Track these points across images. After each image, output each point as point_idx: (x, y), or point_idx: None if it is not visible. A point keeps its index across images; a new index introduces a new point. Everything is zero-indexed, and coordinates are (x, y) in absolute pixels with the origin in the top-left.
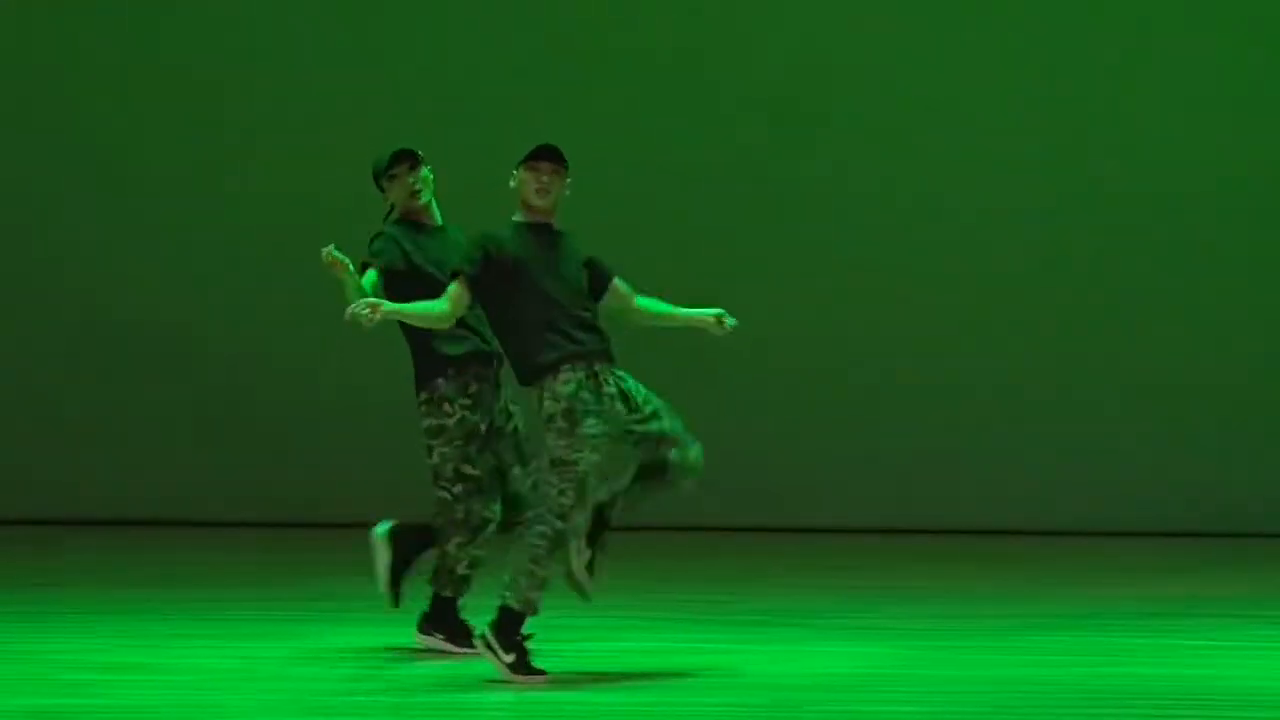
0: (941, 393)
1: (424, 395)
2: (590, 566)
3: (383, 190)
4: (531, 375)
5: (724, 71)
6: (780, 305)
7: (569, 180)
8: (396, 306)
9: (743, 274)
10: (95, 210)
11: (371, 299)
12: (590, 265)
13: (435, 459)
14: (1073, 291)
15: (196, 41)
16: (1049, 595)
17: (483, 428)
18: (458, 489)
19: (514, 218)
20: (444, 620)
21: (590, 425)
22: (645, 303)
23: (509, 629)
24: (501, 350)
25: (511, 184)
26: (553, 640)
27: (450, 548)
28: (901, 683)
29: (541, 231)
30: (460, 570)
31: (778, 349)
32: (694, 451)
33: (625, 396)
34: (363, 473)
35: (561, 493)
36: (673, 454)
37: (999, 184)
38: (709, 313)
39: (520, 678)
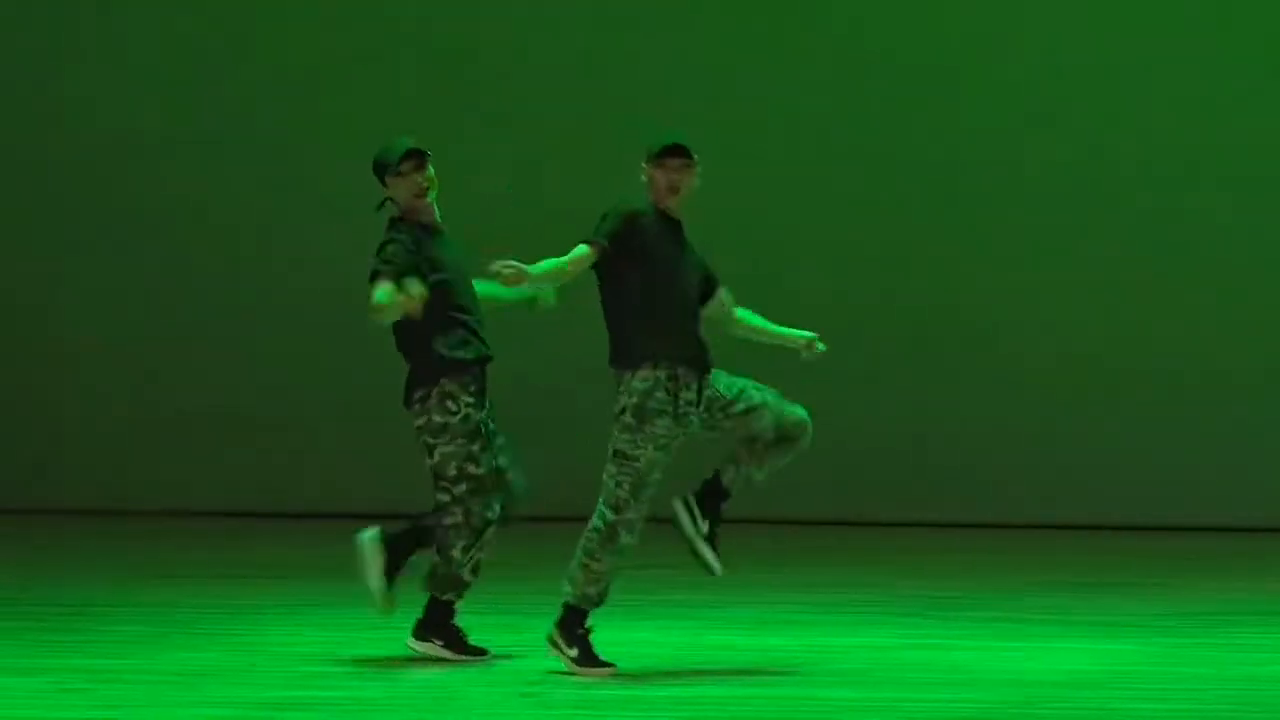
0: (1162, 384)
1: (421, 392)
2: (712, 539)
3: (384, 184)
4: (621, 362)
5: (920, 56)
6: (1003, 295)
7: (698, 171)
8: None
9: (969, 262)
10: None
11: (513, 262)
12: (703, 269)
13: (436, 458)
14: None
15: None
16: None
17: (484, 427)
18: (460, 489)
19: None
20: (441, 626)
21: (660, 425)
22: (744, 315)
23: (570, 624)
24: (607, 325)
25: (642, 178)
26: (801, 637)
27: (455, 553)
28: (1148, 680)
29: (673, 225)
30: (465, 576)
31: (1006, 341)
32: (798, 410)
33: (709, 402)
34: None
35: (619, 485)
36: (769, 421)
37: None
38: (802, 335)
39: (586, 671)
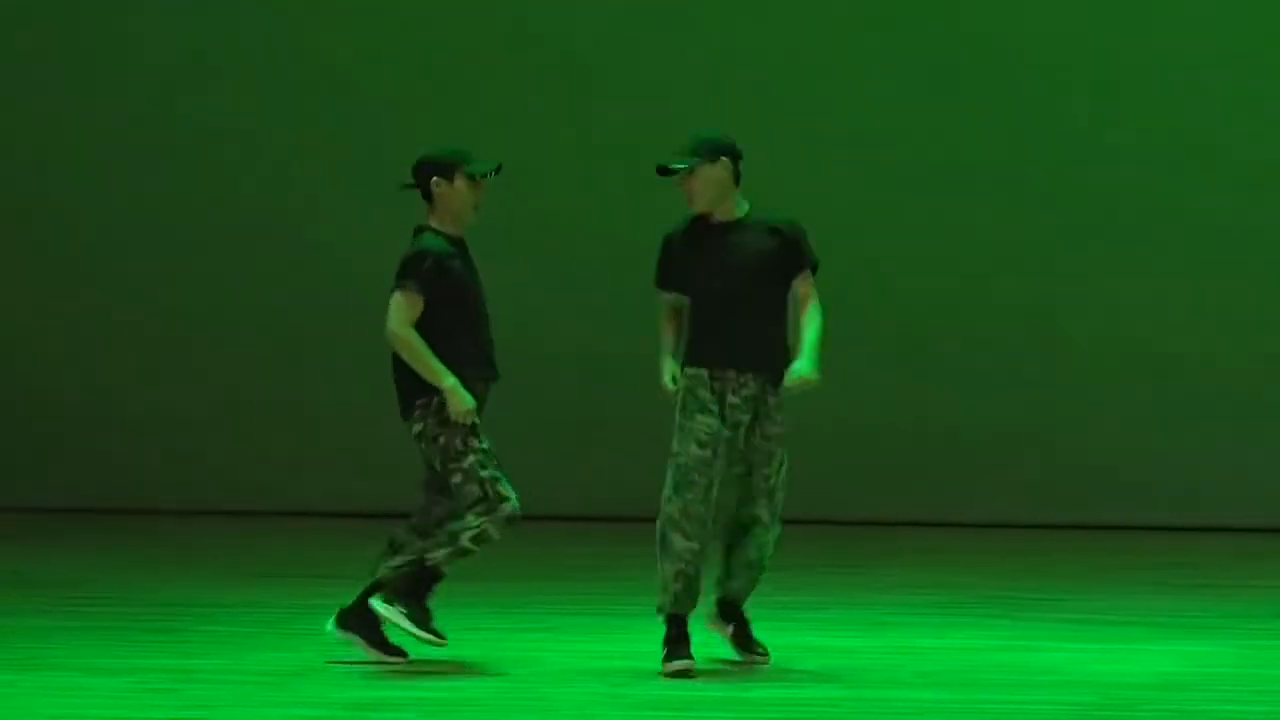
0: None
1: (424, 400)
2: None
3: (436, 180)
4: (681, 359)
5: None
6: (1086, 293)
7: (715, 167)
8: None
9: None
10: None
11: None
12: (782, 250)
13: (440, 444)
14: None
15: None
16: None
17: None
18: (469, 460)
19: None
20: (414, 593)
21: (701, 421)
22: (804, 318)
23: (666, 637)
24: None
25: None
26: (887, 638)
27: (468, 518)
28: (1238, 682)
29: (713, 228)
30: (464, 541)
31: (1120, 346)
32: (774, 533)
33: (757, 414)
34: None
35: (667, 481)
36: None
37: None
38: (799, 367)
39: (671, 670)
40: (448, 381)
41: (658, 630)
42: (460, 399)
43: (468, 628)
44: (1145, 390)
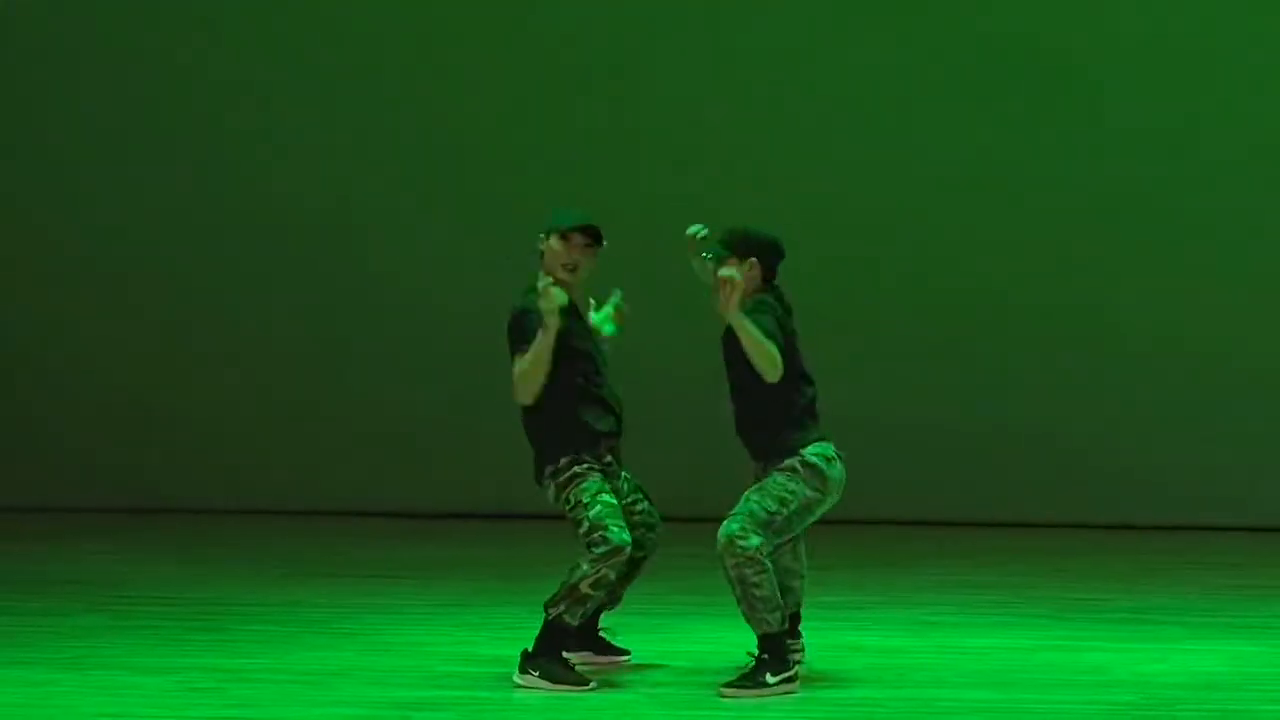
0: None
1: (551, 469)
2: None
3: (544, 239)
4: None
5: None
6: (1137, 292)
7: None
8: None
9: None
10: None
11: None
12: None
13: (571, 503)
14: None
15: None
16: None
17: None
18: (593, 512)
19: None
20: (550, 650)
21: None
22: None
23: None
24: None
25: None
26: (932, 638)
27: (584, 565)
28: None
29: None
30: (584, 588)
31: (1168, 346)
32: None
33: None
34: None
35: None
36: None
37: None
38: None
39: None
40: (546, 334)
41: (697, 630)
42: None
43: (508, 627)
44: (1191, 391)
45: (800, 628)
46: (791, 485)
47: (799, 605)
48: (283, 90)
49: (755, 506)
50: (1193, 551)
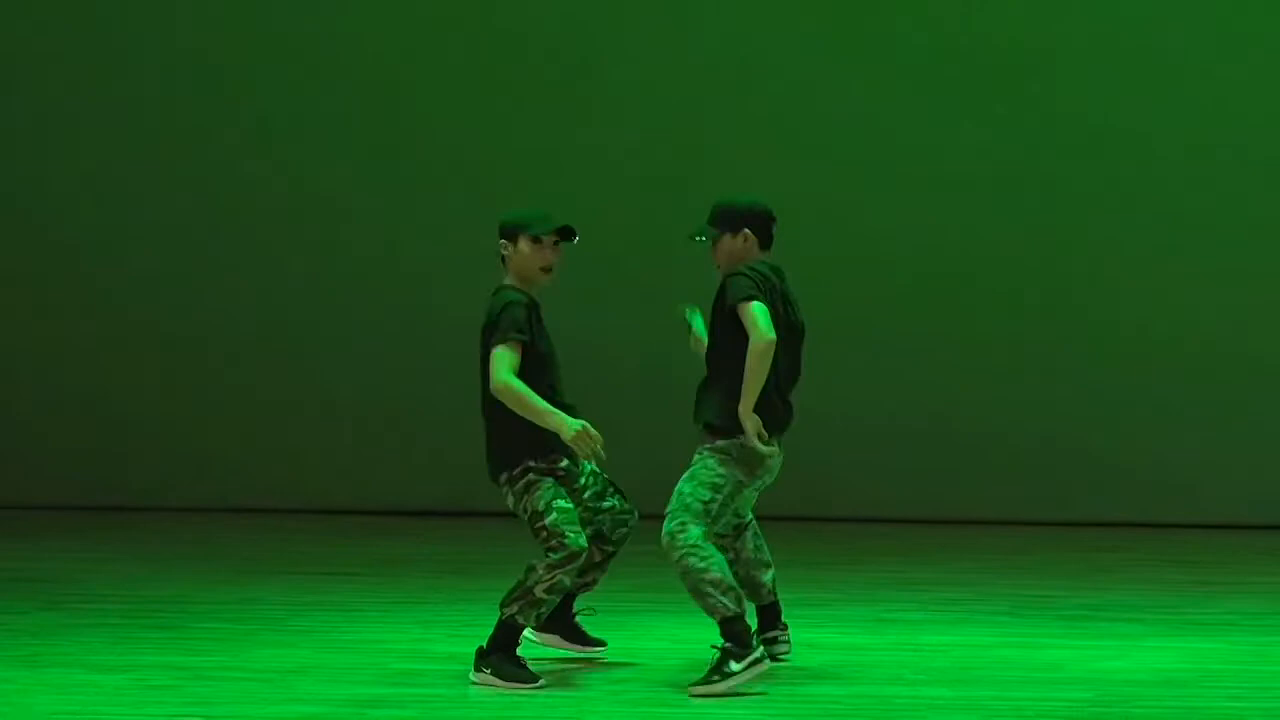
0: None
1: (507, 475)
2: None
3: (509, 241)
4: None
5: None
6: (1108, 287)
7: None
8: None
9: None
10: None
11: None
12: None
13: (528, 511)
14: None
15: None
16: None
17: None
18: (549, 519)
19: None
20: (505, 647)
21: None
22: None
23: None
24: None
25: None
26: (891, 635)
27: (540, 569)
28: (1237, 678)
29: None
30: (539, 592)
31: (1121, 344)
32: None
33: None
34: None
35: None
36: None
37: None
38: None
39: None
40: (554, 419)
41: (657, 627)
42: (568, 427)
43: (465, 624)
44: (1145, 388)
45: (783, 618)
46: (722, 470)
47: (774, 595)
48: (270, 87)
49: (690, 500)
50: (1150, 548)
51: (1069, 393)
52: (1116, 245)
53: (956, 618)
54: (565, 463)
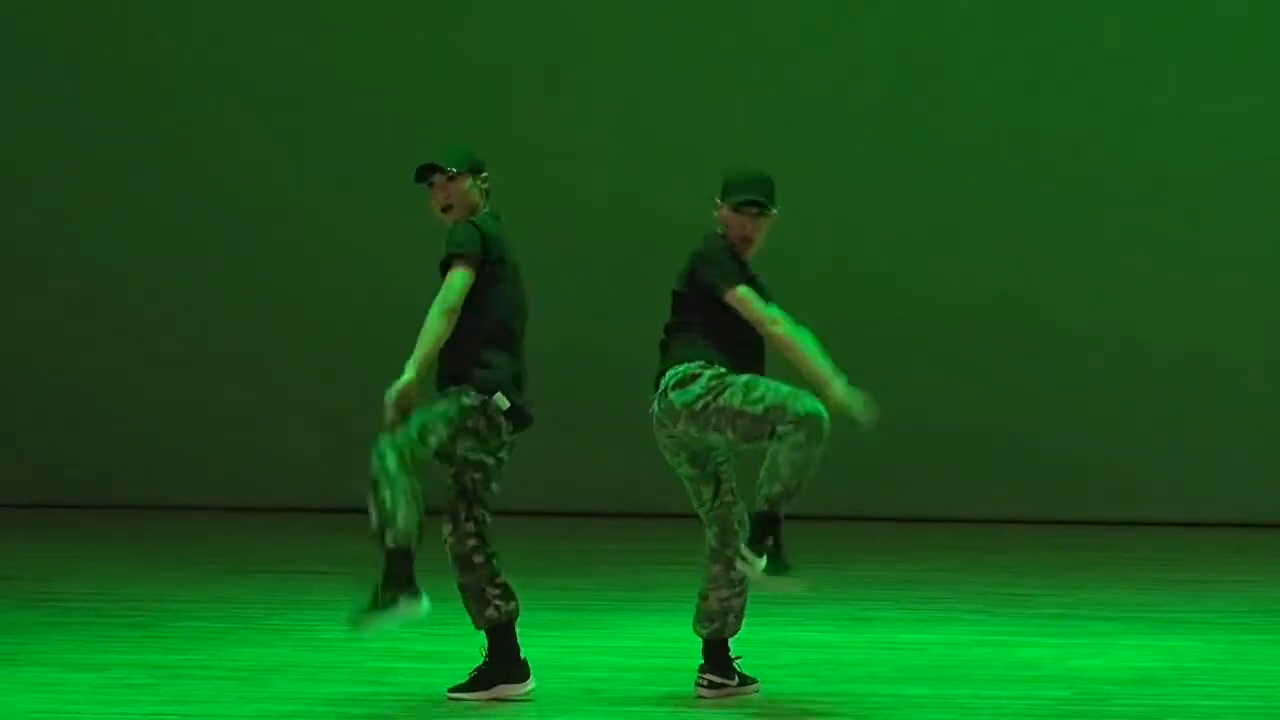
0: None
1: (472, 391)
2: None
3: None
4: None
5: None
6: (1082, 286)
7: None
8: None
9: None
10: None
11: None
12: None
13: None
14: None
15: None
16: None
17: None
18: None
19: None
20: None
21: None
22: None
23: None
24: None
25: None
26: (866, 633)
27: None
28: (1214, 677)
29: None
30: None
31: (1099, 342)
32: None
33: None
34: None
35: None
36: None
37: None
38: None
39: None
40: None
41: (633, 625)
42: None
43: (444, 623)
44: (1122, 386)
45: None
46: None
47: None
48: (242, 90)
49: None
50: (1126, 546)
51: (1045, 391)
52: (1090, 246)
53: (933, 616)
54: None
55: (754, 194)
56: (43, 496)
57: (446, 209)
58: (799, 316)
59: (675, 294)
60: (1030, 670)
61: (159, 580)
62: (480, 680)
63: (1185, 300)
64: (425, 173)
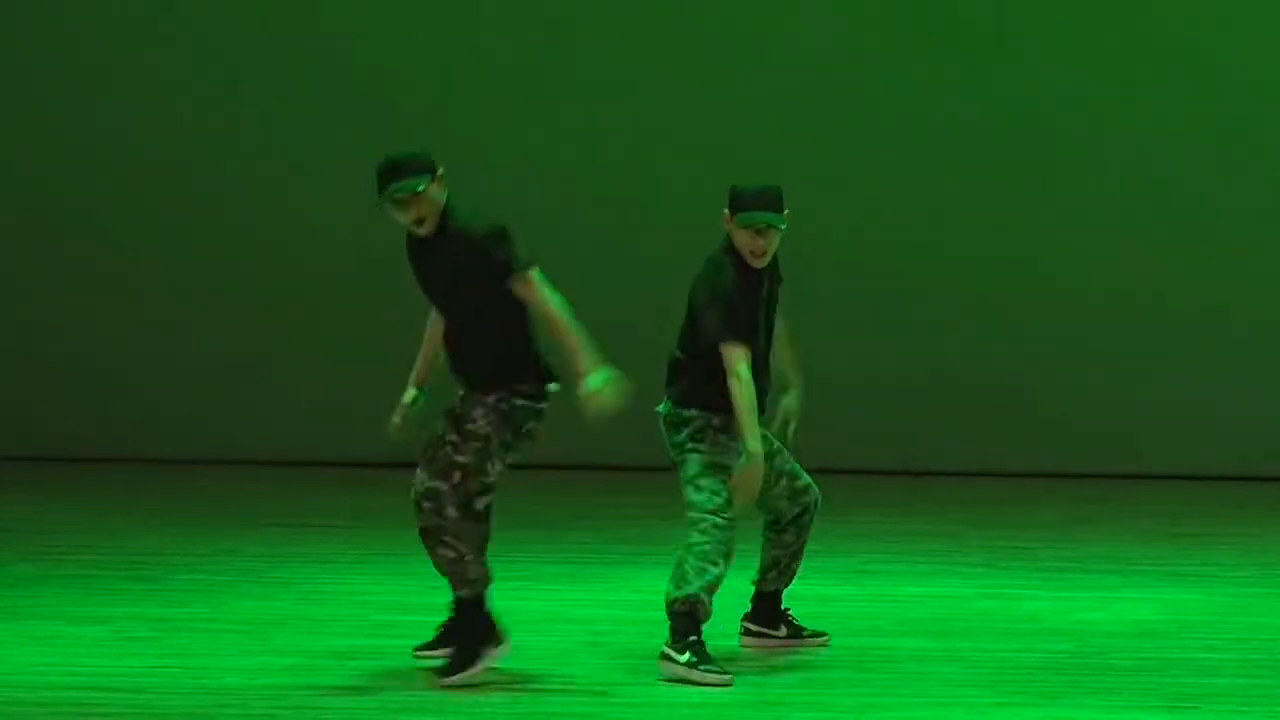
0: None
1: (496, 398)
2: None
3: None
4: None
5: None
6: (1083, 245)
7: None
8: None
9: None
10: None
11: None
12: None
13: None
14: None
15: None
16: None
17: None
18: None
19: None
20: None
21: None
22: None
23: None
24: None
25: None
26: (869, 587)
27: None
28: (1214, 629)
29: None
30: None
31: (1101, 295)
32: None
33: None
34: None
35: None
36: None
37: None
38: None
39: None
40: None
41: (637, 579)
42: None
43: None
44: (1124, 339)
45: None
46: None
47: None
48: (236, 47)
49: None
50: (1128, 500)
51: (1048, 345)
52: (1092, 199)
53: (935, 569)
54: None
55: (762, 214)
56: (44, 450)
57: (420, 221)
58: (801, 273)
59: (687, 315)
60: (1032, 623)
61: (161, 533)
62: (464, 657)
63: (1187, 254)
64: (391, 193)
